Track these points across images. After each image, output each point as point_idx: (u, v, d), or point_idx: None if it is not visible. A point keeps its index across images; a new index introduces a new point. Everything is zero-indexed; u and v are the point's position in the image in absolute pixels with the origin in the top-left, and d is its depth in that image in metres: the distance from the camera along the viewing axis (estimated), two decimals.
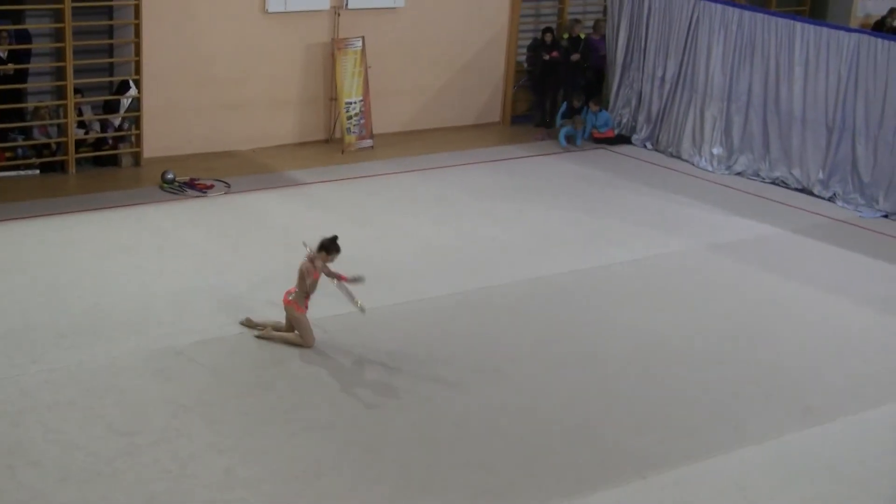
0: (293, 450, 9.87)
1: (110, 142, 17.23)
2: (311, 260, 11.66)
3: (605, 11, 21.26)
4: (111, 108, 17.24)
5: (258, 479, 9.38)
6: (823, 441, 10.59)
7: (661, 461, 10.04)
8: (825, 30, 17.94)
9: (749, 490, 9.68)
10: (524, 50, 20.94)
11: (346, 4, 18.61)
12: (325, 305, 12.39)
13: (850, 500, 9.66)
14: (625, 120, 20.69)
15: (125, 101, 17.09)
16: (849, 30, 18.31)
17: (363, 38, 18.74)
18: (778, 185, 18.33)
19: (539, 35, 20.65)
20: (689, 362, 11.95)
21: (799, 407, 11.18)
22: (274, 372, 11.20)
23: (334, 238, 11.71)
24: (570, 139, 19.75)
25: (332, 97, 18.77)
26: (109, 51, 17.42)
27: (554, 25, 21.03)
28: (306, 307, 11.70)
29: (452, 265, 14.15)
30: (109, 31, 17.32)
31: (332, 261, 11.72)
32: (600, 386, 11.35)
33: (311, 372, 11.23)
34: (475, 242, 15.01)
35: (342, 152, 18.45)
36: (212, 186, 16.40)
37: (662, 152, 19.87)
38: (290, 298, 11.68)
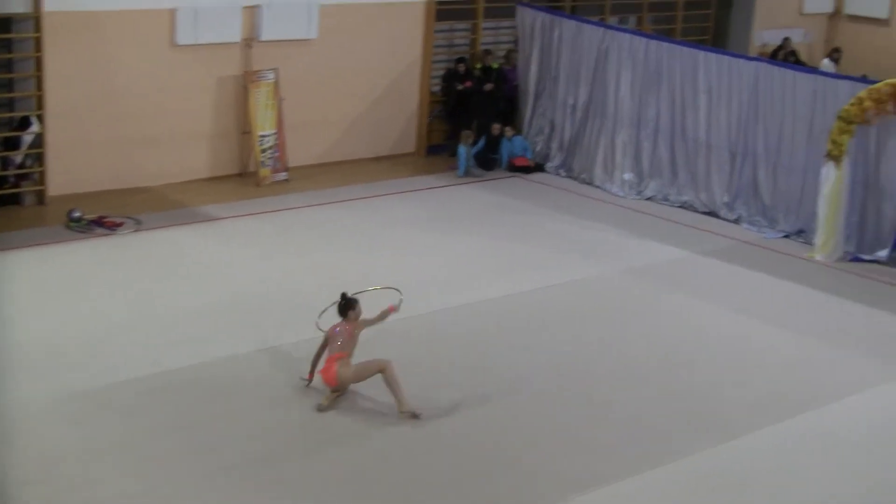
0: (210, 493, 9.78)
1: (12, 180, 16.84)
2: (347, 325, 11.61)
3: (516, 42, 21.57)
4: (12, 144, 16.87)
5: None
6: (737, 455, 10.89)
7: (586, 482, 10.23)
8: (726, 58, 18.45)
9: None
10: (438, 80, 21.20)
11: (258, 36, 18.65)
12: (250, 340, 12.51)
13: None
14: (538, 148, 21.01)
15: (26, 138, 16.76)
16: (748, 58, 18.84)
17: (276, 69, 18.82)
18: (686, 208, 18.74)
19: (453, 65, 20.92)
20: (610, 384, 12.22)
21: (712, 424, 11.48)
22: (190, 413, 11.14)
23: (344, 299, 11.71)
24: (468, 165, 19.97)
25: (246, 130, 18.79)
26: (9, 85, 17.20)
27: (467, 56, 21.30)
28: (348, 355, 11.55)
29: (371, 297, 14.26)
30: (8, 65, 17.08)
31: (353, 318, 11.62)
32: (522, 409, 11.56)
33: (228, 410, 11.22)
34: (393, 274, 15.08)
35: (257, 186, 18.49)
36: (121, 224, 16.20)
37: (575, 179, 20.20)
38: (336, 367, 11.40)
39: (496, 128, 20.33)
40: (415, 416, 11.09)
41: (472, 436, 10.99)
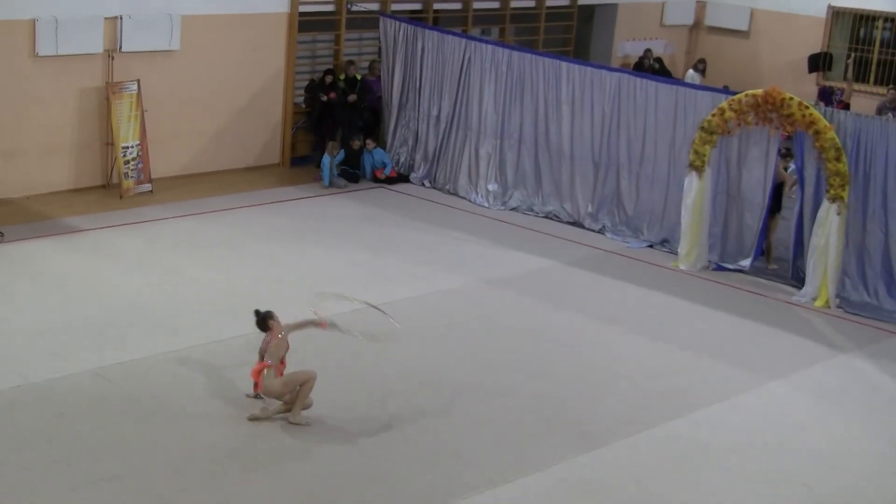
0: None
1: None
2: (269, 336, 11.60)
3: (379, 52, 21.60)
4: None
5: None
6: (600, 464, 11.01)
7: (448, 495, 10.26)
8: (589, 69, 18.66)
9: None
10: (302, 91, 21.12)
11: (120, 48, 18.37)
12: (106, 355, 12.31)
13: None
14: (402, 159, 21.05)
15: None
16: (610, 69, 19.09)
17: (138, 81, 18.55)
18: (551, 218, 18.94)
19: (317, 76, 20.86)
20: (473, 395, 12.24)
21: (577, 433, 11.60)
22: (55, 424, 10.96)
23: (259, 315, 11.71)
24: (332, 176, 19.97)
25: (108, 142, 18.51)
26: None
27: (331, 66, 21.25)
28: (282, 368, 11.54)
29: (236, 309, 14.12)
30: None
31: (275, 326, 11.59)
32: (385, 423, 11.53)
33: (94, 423, 11.04)
34: (258, 285, 15.03)
35: (120, 197, 18.21)
36: None
37: (440, 190, 20.28)
38: (262, 377, 11.44)
39: (355, 143, 20.35)
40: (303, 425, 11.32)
41: (335, 449, 10.94)
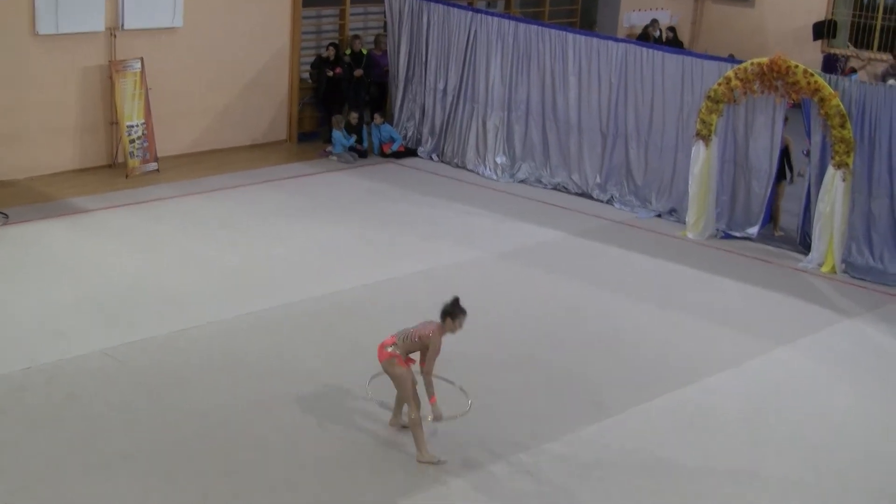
0: (91, 486, 9.64)
1: None
2: (429, 328, 10.37)
3: (385, 27, 21.52)
4: None
5: None
6: (613, 433, 11.01)
7: (461, 467, 10.24)
8: (595, 40, 18.58)
9: (545, 484, 10.01)
10: (307, 67, 21.06)
11: (122, 25, 18.32)
12: (114, 335, 12.32)
13: (636, 492, 10.08)
14: (410, 133, 21.00)
15: None
16: (616, 39, 19.05)
17: (142, 59, 18.51)
18: (559, 190, 18.92)
19: (323, 51, 20.80)
20: (484, 368, 12.22)
21: (588, 402, 11.60)
22: (65, 406, 10.95)
23: (456, 300, 10.42)
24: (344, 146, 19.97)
25: (113, 121, 18.48)
26: None
27: (336, 41, 21.19)
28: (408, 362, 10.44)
29: (243, 287, 14.15)
30: None
31: (459, 327, 10.42)
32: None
33: (104, 403, 11.03)
34: (266, 263, 15.03)
35: (126, 177, 18.19)
36: None
37: (448, 163, 20.25)
38: (390, 351, 10.35)
39: (353, 117, 20.32)
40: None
41: (348, 425, 10.92)
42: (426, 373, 10.24)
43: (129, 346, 12.23)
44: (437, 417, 10.37)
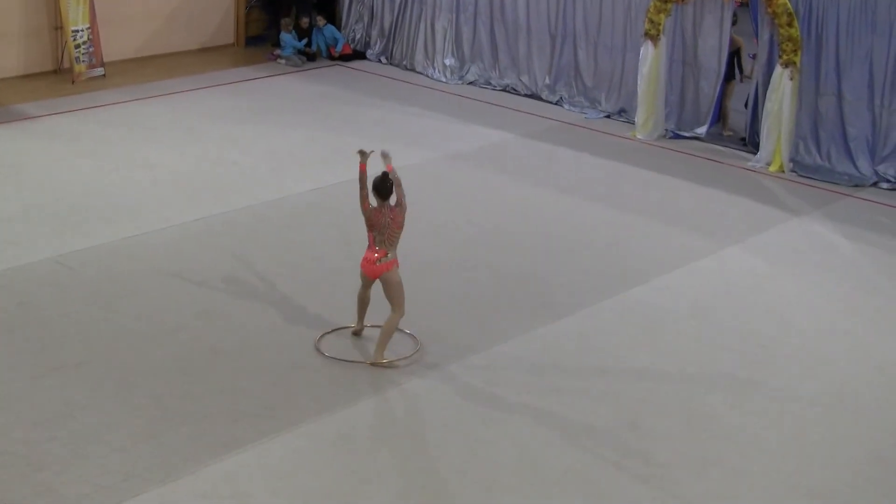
0: (43, 392, 9.62)
1: None
2: (392, 210, 10.19)
3: None
4: None
5: (7, 427, 9.06)
6: (565, 334, 11.11)
7: (417, 367, 10.32)
8: None
9: (498, 386, 10.08)
10: None
11: None
12: (65, 242, 12.27)
13: (589, 391, 10.23)
14: (358, 35, 20.85)
15: None
16: None
17: None
18: (508, 91, 18.90)
19: None
20: (434, 270, 12.29)
21: (539, 304, 11.71)
22: (16, 314, 10.91)
23: (385, 182, 10.16)
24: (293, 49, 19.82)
25: (58, 26, 18.21)
26: None
27: None
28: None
29: (196, 191, 14.11)
30: None
31: (396, 197, 10.19)
32: (353, 301, 11.56)
33: (56, 311, 11.00)
34: (216, 168, 14.98)
35: (72, 82, 17.99)
36: None
37: (397, 66, 20.16)
38: (391, 258, 10.19)
39: (304, 21, 20.12)
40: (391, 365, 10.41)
41: (302, 329, 10.99)
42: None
43: (80, 253, 12.19)
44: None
